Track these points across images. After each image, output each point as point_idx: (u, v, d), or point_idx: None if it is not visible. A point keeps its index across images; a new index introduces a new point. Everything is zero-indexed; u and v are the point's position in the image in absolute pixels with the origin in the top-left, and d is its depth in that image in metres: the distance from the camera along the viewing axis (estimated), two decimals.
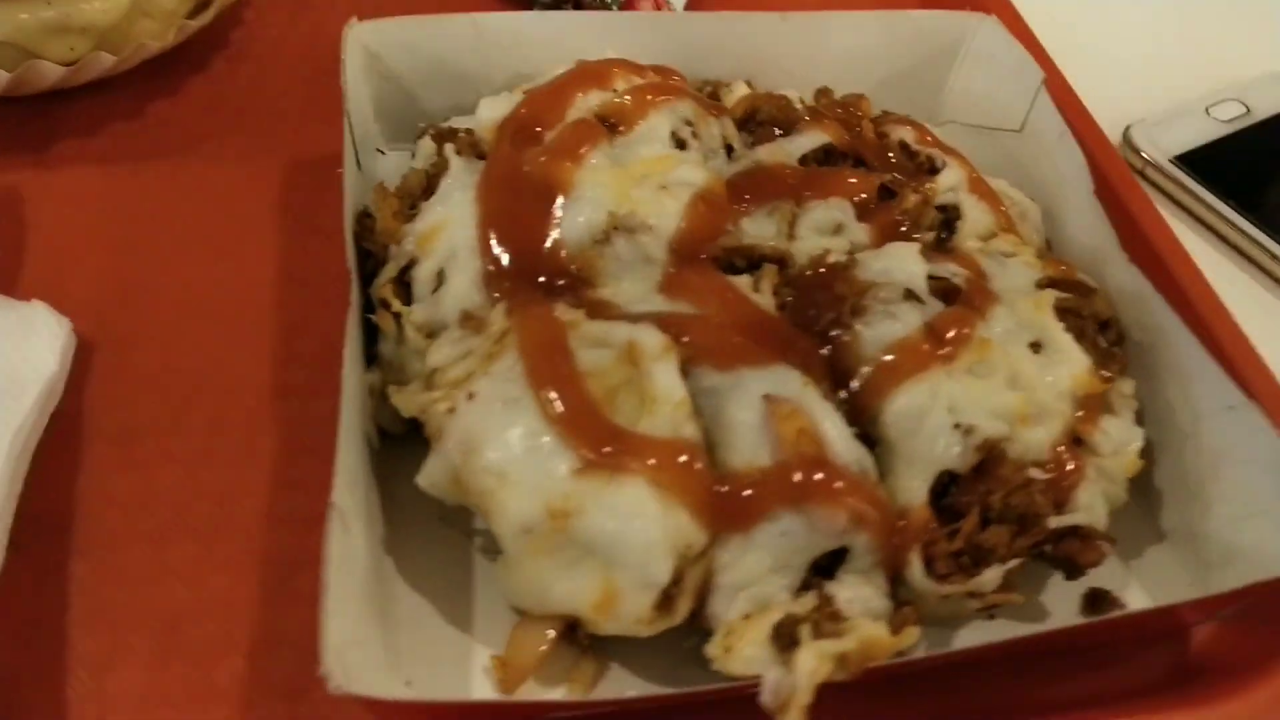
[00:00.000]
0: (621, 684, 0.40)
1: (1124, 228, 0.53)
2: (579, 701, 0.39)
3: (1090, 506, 0.41)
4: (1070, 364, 0.43)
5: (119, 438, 0.46)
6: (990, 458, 0.40)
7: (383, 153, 0.57)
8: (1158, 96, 0.68)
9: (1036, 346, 0.43)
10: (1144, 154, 0.63)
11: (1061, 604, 0.44)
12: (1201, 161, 0.63)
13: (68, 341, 0.47)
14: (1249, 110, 0.66)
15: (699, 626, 0.39)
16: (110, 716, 0.39)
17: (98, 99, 0.59)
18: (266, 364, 0.49)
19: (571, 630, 0.39)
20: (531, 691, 0.40)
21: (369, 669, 0.36)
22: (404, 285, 0.45)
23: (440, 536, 0.43)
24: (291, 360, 0.50)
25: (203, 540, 0.44)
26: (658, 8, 0.67)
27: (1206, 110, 0.66)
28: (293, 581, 0.43)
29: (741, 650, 0.36)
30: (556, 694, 0.40)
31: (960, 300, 0.44)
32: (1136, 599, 0.44)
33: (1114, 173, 0.56)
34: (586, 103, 0.48)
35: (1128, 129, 0.65)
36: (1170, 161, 0.63)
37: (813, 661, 0.33)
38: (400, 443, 0.44)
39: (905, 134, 0.52)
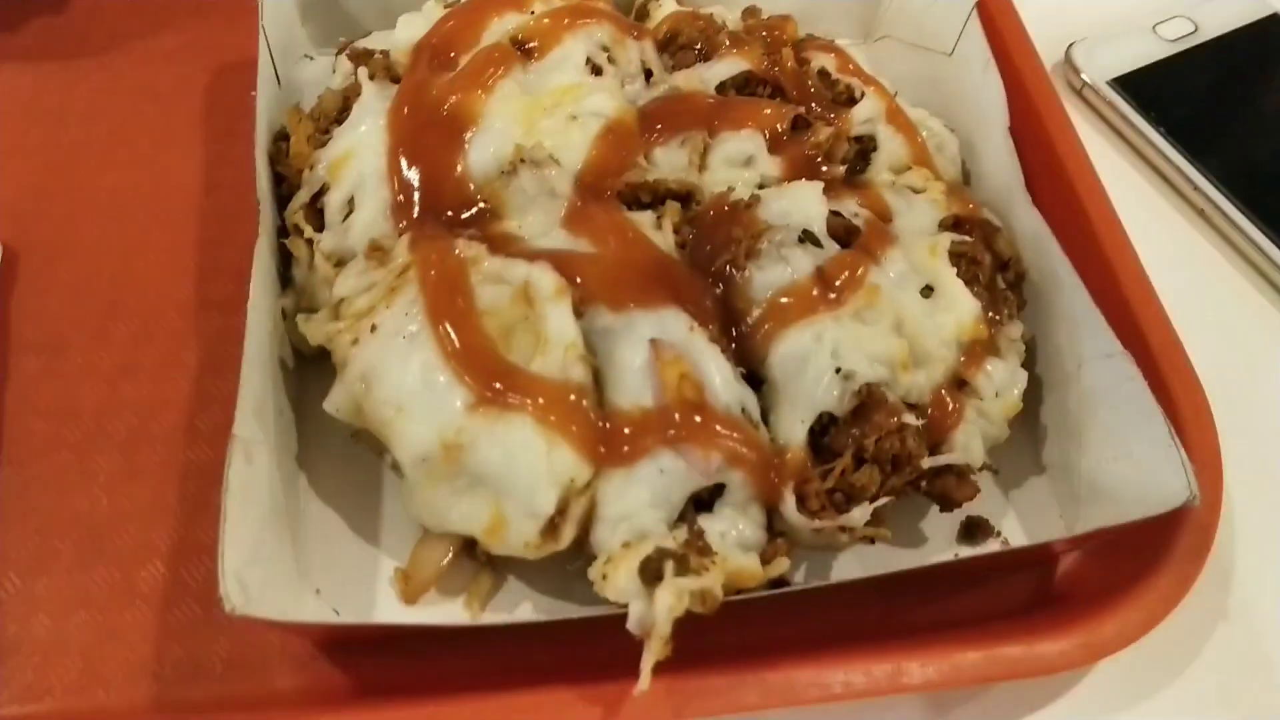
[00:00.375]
0: (518, 597, 0.44)
1: (1044, 157, 0.54)
2: (436, 626, 0.41)
3: (966, 446, 0.43)
4: (958, 310, 0.44)
5: (44, 348, 0.48)
6: (869, 401, 0.41)
7: (310, 58, 0.57)
8: (1117, 6, 0.67)
9: (928, 291, 0.44)
10: (1083, 75, 0.63)
11: (940, 530, 0.46)
12: (1138, 85, 0.62)
13: None
14: (1197, 29, 0.65)
15: (587, 551, 0.41)
16: (38, 615, 0.42)
17: None
18: (190, 276, 0.51)
19: (470, 547, 0.42)
20: (431, 601, 0.43)
21: (272, 585, 0.38)
22: (318, 211, 0.46)
23: (352, 453, 0.45)
24: (214, 273, 0.51)
25: (125, 451, 0.46)
26: None
27: (1154, 28, 0.65)
28: (211, 491, 0.44)
29: (615, 579, 0.38)
30: (455, 605, 0.43)
31: (857, 243, 0.45)
32: (1012, 528, 0.47)
33: (1041, 98, 0.56)
34: (502, 26, 0.48)
35: (1070, 47, 0.64)
36: (1108, 84, 0.62)
37: (670, 598, 0.36)
38: (316, 362, 0.46)
39: (826, 61, 0.52)
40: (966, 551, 0.46)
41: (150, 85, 0.57)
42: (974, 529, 0.46)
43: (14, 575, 0.43)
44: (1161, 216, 0.59)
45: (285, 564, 0.41)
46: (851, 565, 0.45)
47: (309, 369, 0.47)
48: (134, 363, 0.48)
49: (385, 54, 0.48)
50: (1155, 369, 0.47)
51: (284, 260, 0.47)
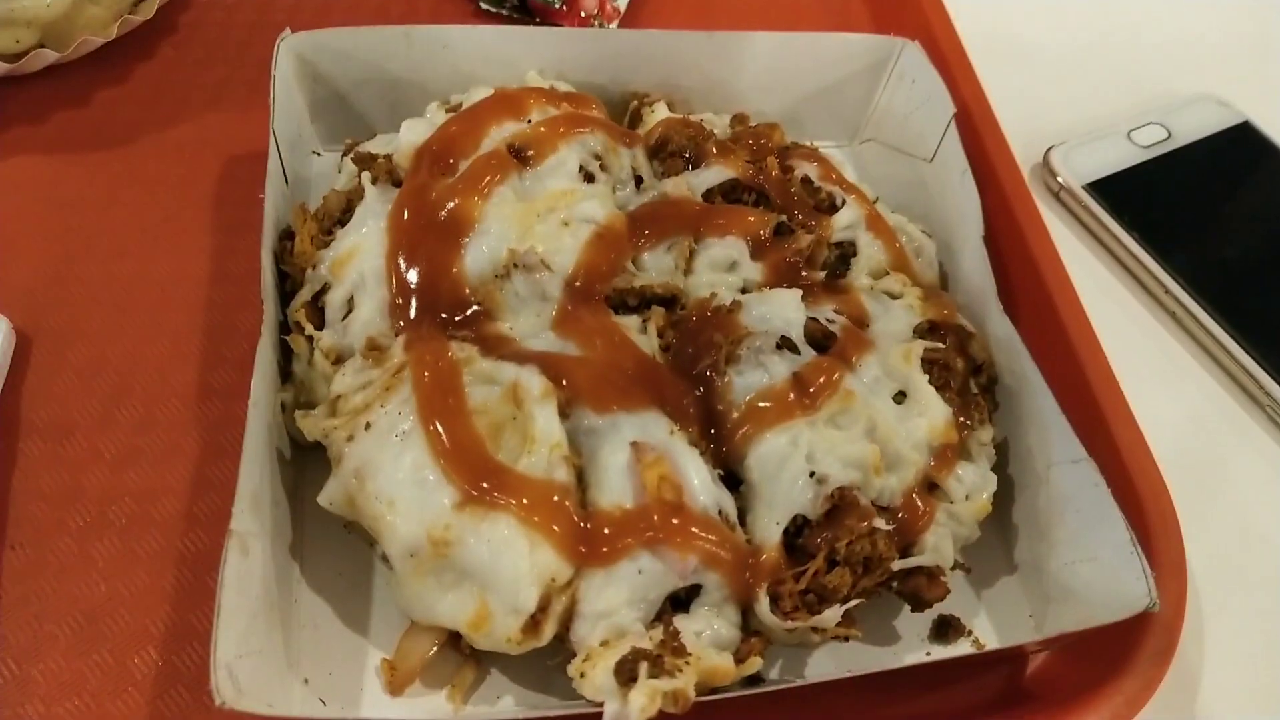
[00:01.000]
0: (500, 689, 0.45)
1: (1020, 258, 0.56)
2: None
3: (937, 548, 0.45)
4: (930, 415, 0.46)
5: (51, 434, 0.50)
6: (841, 504, 0.43)
7: (319, 154, 0.59)
8: (1094, 112, 0.70)
9: (901, 396, 0.46)
10: (1059, 178, 0.65)
11: (912, 627, 0.48)
12: (1113, 189, 0.65)
13: (6, 340, 0.50)
14: (1170, 135, 0.68)
15: (567, 647, 0.42)
16: (32, 701, 0.43)
17: (43, 85, 0.61)
18: (194, 364, 0.52)
19: (455, 640, 0.43)
20: (416, 692, 0.44)
21: (262, 677, 0.40)
22: (319, 309, 0.48)
23: (344, 543, 0.47)
24: (217, 362, 0.53)
25: (124, 537, 0.47)
26: (602, 5, 0.68)
27: (1128, 134, 0.68)
28: (206, 577, 0.46)
29: (593, 677, 0.39)
30: (438, 696, 0.44)
31: (834, 348, 0.47)
32: (983, 626, 0.48)
33: (1019, 201, 0.58)
34: (500, 132, 0.50)
35: (1048, 151, 0.67)
36: (1083, 188, 0.65)
37: (643, 699, 0.37)
38: (314, 451, 0.48)
39: (810, 169, 0.55)
40: (938, 649, 0.47)
41: (164, 176, 0.59)
42: (946, 627, 0.47)
43: (10, 660, 0.44)
44: (1134, 317, 0.61)
45: (276, 655, 0.42)
46: (825, 661, 0.46)
47: (306, 458, 0.48)
48: (137, 448, 0.50)
49: (388, 158, 0.50)
50: (1123, 471, 0.48)
51: (285, 354, 0.49)
